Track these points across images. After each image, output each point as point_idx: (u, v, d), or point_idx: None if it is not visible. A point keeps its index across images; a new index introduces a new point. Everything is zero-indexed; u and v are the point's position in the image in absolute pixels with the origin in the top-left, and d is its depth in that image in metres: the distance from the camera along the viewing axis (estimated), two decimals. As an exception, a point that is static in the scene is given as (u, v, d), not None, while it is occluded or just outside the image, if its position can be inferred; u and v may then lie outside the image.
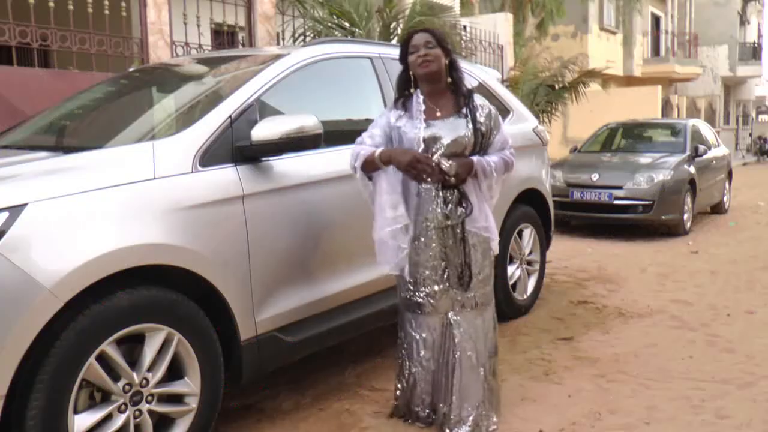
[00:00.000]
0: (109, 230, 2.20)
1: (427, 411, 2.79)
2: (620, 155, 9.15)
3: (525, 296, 4.60)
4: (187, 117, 2.81)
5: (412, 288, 2.70)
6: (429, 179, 2.59)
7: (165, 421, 2.42)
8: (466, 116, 2.65)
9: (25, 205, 2.04)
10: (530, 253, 4.63)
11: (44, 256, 2.03)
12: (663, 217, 7.86)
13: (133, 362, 2.29)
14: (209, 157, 2.57)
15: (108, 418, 2.21)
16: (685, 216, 8.16)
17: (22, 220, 2.01)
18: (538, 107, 9.97)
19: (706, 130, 10.16)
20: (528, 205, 4.55)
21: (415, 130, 2.63)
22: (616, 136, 10.00)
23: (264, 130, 2.63)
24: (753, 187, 14.66)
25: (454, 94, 2.71)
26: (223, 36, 7.32)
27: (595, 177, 8.06)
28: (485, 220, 2.70)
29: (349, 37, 6.96)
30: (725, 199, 10.31)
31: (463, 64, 4.47)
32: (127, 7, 5.91)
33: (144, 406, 2.31)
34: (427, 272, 2.66)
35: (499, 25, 11.82)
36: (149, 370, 2.31)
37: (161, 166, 2.42)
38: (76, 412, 2.13)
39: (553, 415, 3.00)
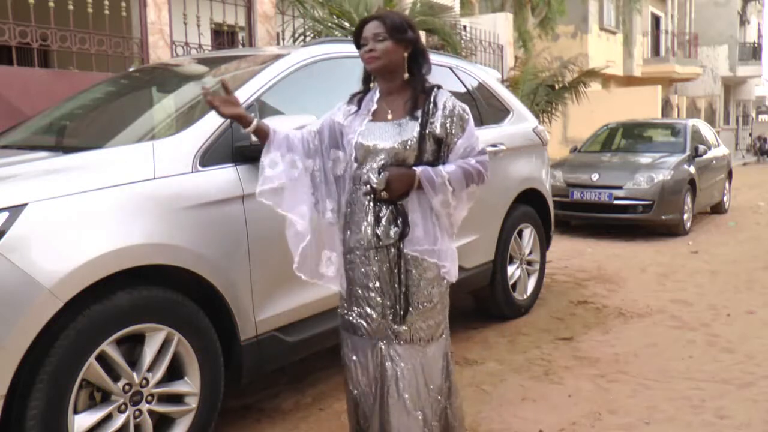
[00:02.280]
0: (109, 230, 2.20)
1: None
2: (620, 155, 9.15)
3: (525, 296, 4.60)
4: (187, 117, 2.81)
5: (346, 305, 2.34)
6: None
7: (165, 421, 2.42)
8: (417, 118, 2.22)
9: (25, 205, 2.04)
10: (530, 253, 4.63)
11: (44, 256, 2.03)
12: (663, 217, 7.86)
13: (133, 362, 2.29)
14: (209, 157, 2.57)
15: (108, 418, 2.21)
16: (685, 216, 8.16)
17: (22, 220, 2.01)
18: (538, 107, 9.97)
19: (706, 130, 10.16)
20: (528, 205, 4.55)
21: (352, 134, 2.27)
22: (616, 136, 10.01)
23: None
24: (753, 187, 14.66)
25: (413, 90, 2.28)
26: (223, 36, 7.32)
27: (595, 177, 8.06)
28: (432, 242, 2.23)
29: (349, 37, 6.96)
30: (725, 199, 10.31)
31: (463, 64, 4.51)
32: (127, 7, 5.91)
33: (144, 406, 2.30)
34: (359, 291, 2.28)
35: (499, 25, 11.82)
36: (149, 370, 2.31)
37: (161, 166, 2.42)
38: (76, 412, 2.13)
39: (553, 415, 3.00)
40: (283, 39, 7.72)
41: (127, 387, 2.25)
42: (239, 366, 2.65)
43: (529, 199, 4.56)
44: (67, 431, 2.09)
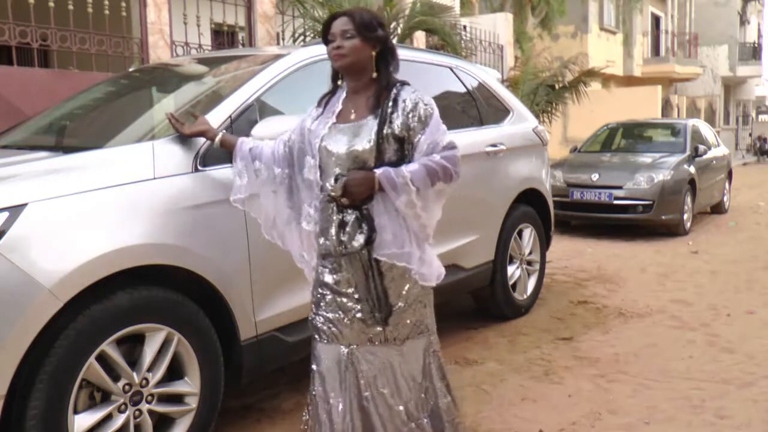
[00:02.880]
0: (109, 230, 2.20)
1: None
2: (620, 155, 9.16)
3: (525, 296, 4.60)
4: (188, 117, 2.80)
5: (314, 309, 2.24)
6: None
7: (165, 421, 2.42)
8: (377, 117, 2.14)
9: (25, 205, 2.04)
10: (530, 253, 4.63)
11: (44, 256, 2.03)
12: (663, 217, 7.86)
13: (133, 362, 2.29)
14: (209, 157, 2.56)
15: (108, 418, 2.21)
16: (685, 216, 8.16)
17: (22, 220, 2.01)
18: (538, 107, 9.96)
19: (706, 130, 10.16)
20: (528, 205, 4.56)
21: (316, 138, 2.19)
22: (616, 136, 10.01)
23: (264, 130, 2.62)
24: (753, 187, 14.66)
25: (378, 89, 2.19)
26: (223, 36, 7.32)
27: (595, 177, 8.06)
28: (401, 245, 2.14)
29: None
30: (725, 199, 10.31)
31: (463, 64, 4.51)
32: (127, 7, 5.91)
33: (144, 406, 2.31)
34: (331, 297, 2.20)
35: (499, 25, 11.83)
36: (149, 370, 2.31)
37: (161, 166, 2.42)
38: (76, 412, 2.13)
39: (553, 415, 3.00)
40: (283, 39, 7.72)
41: (127, 387, 2.25)
42: (239, 366, 2.65)
43: (529, 199, 4.56)
44: (67, 431, 2.09)
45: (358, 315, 2.17)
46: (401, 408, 2.20)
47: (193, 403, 2.45)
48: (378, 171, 2.09)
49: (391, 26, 7.85)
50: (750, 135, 32.14)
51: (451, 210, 3.78)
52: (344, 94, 2.25)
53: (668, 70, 22.50)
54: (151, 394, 2.33)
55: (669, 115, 20.26)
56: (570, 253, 7.01)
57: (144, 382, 2.30)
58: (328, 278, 2.21)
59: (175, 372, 2.43)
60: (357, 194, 2.08)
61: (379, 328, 2.17)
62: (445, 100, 4.26)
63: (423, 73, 4.02)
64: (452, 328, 4.32)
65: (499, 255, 4.21)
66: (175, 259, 2.37)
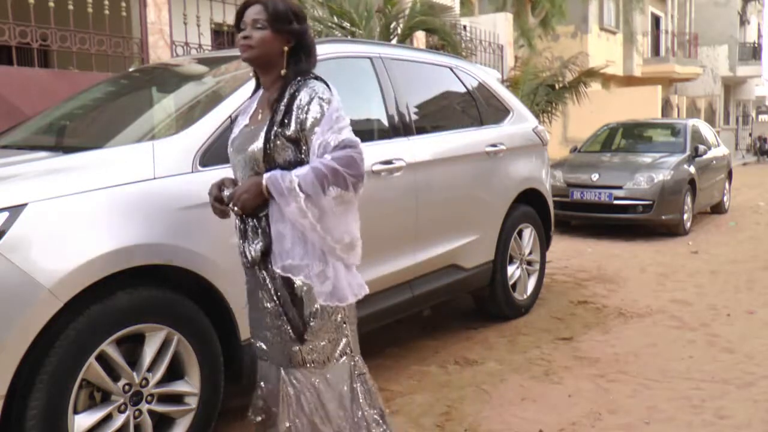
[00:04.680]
0: (109, 230, 2.20)
1: None
2: (620, 155, 9.16)
3: (525, 296, 4.60)
4: (188, 117, 2.81)
5: (252, 330, 2.15)
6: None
7: (165, 421, 2.42)
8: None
9: (25, 205, 2.04)
10: (530, 253, 4.63)
11: (44, 256, 2.03)
12: (663, 217, 7.86)
13: (133, 362, 2.29)
14: (209, 157, 2.56)
15: (108, 418, 2.21)
16: (685, 216, 8.16)
17: (22, 220, 2.01)
18: (538, 107, 9.96)
19: (706, 130, 10.16)
20: (528, 205, 4.56)
21: (229, 143, 2.07)
22: (616, 136, 10.01)
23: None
24: (753, 187, 14.66)
25: (283, 87, 1.98)
26: (223, 36, 7.32)
27: (595, 177, 8.06)
28: (300, 256, 1.92)
29: (349, 37, 6.96)
30: (725, 199, 10.31)
31: (463, 64, 4.51)
32: (127, 7, 5.91)
33: (144, 406, 2.31)
34: (252, 313, 2.10)
35: (499, 25, 11.82)
36: (149, 370, 2.31)
37: (161, 166, 2.42)
38: (76, 412, 2.13)
39: (553, 415, 3.00)
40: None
41: (127, 387, 2.25)
42: (239, 366, 2.65)
43: (529, 199, 4.56)
44: (67, 431, 2.09)
45: (275, 332, 2.01)
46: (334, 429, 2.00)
47: (193, 403, 2.45)
48: (265, 176, 1.89)
49: (391, 26, 7.86)
50: (750, 135, 32.13)
51: (451, 210, 3.82)
52: (259, 92, 2.10)
53: (668, 70, 22.50)
54: (151, 394, 2.33)
55: (669, 115, 20.26)
56: (570, 253, 7.01)
57: (144, 382, 2.30)
58: (248, 293, 2.10)
59: (175, 372, 2.43)
60: (244, 201, 1.90)
61: (296, 348, 1.97)
62: (445, 100, 4.27)
63: (423, 73, 4.02)
64: (452, 328, 4.32)
65: (499, 255, 4.21)
66: (175, 259, 2.37)
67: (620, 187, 7.87)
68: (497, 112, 4.47)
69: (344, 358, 2.03)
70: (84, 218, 2.16)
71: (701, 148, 8.86)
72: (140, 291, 2.28)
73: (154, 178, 2.38)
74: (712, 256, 6.86)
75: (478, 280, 4.08)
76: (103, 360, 2.19)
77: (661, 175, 7.88)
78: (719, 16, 28.34)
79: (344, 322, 2.02)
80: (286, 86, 1.97)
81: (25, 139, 3.15)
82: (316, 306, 1.96)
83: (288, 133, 1.91)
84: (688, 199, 8.25)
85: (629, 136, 10.07)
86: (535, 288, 4.72)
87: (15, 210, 2.02)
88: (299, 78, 1.97)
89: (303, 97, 1.92)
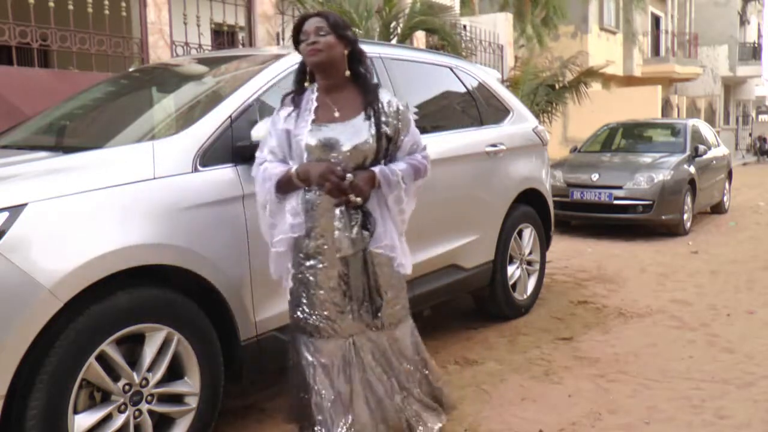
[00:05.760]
0: (109, 230, 2.20)
1: None
2: (620, 155, 9.16)
3: (525, 296, 4.60)
4: (187, 117, 2.81)
5: (308, 309, 2.33)
6: (338, 199, 2.23)
7: (165, 421, 2.42)
8: (369, 117, 2.25)
9: (25, 205, 2.04)
10: (530, 253, 4.63)
11: (44, 256, 2.03)
12: (663, 217, 7.86)
13: (133, 362, 2.29)
14: (209, 157, 2.56)
15: (108, 418, 2.21)
16: (685, 216, 8.16)
17: (22, 220, 2.01)
18: (538, 107, 9.96)
19: (706, 130, 10.16)
20: (528, 205, 4.55)
21: (299, 135, 2.26)
22: (616, 136, 10.01)
23: (264, 130, 2.62)
24: (753, 187, 14.66)
25: (360, 90, 2.31)
26: (223, 36, 7.32)
27: (595, 177, 8.06)
28: (390, 237, 2.32)
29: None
30: (725, 199, 10.31)
31: (463, 64, 4.50)
32: (127, 7, 5.92)
33: (144, 406, 2.31)
34: (324, 294, 2.31)
35: (499, 25, 11.83)
36: (149, 370, 2.31)
37: (161, 166, 2.42)
38: (76, 412, 2.13)
39: (553, 415, 3.00)
40: (283, 39, 7.72)
41: (127, 387, 2.25)
42: (239, 366, 2.65)
43: (529, 199, 4.56)
44: (67, 431, 2.09)
45: (354, 307, 2.32)
46: (393, 382, 2.40)
47: (193, 403, 2.45)
48: (376, 169, 2.23)
49: (391, 26, 7.86)
50: (750, 135, 32.12)
51: (451, 210, 3.82)
52: (315, 93, 2.32)
53: (668, 70, 22.50)
54: (151, 394, 2.33)
55: (669, 115, 20.25)
56: (570, 253, 7.01)
57: (144, 382, 2.30)
58: (318, 277, 2.31)
59: (175, 372, 2.43)
60: (366, 192, 2.21)
61: (374, 317, 2.34)
62: (445, 100, 4.26)
63: (423, 73, 4.02)
64: (452, 328, 4.32)
65: (499, 255, 4.21)
66: (175, 259, 2.36)
67: (620, 187, 7.87)
68: (497, 112, 4.47)
69: (408, 318, 2.49)
70: (84, 218, 2.16)
71: (701, 148, 8.86)
72: (140, 291, 2.28)
73: (154, 178, 2.38)
74: (712, 256, 6.86)
75: (478, 280, 4.08)
76: (103, 360, 2.19)
77: (661, 175, 7.88)
78: (719, 16, 28.34)
79: (404, 289, 2.46)
80: (367, 88, 2.30)
81: (25, 139, 3.15)
82: (391, 278, 2.37)
83: (389, 131, 2.27)
84: (688, 199, 8.25)
85: (629, 136, 10.07)
86: (535, 288, 4.72)
87: (15, 210, 2.01)
88: (377, 84, 2.35)
89: (392, 102, 2.31)
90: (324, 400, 2.33)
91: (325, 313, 2.31)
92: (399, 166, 2.29)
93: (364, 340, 2.36)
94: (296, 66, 2.48)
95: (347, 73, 2.30)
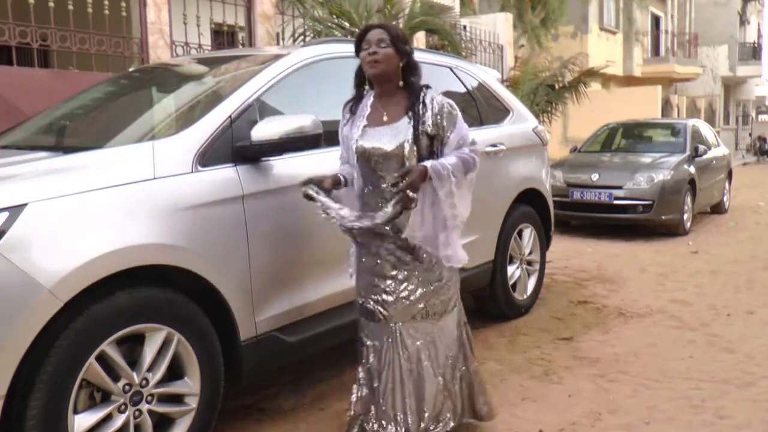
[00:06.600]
0: (109, 230, 2.20)
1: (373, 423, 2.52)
2: (620, 155, 9.16)
3: (525, 296, 4.60)
4: (187, 117, 2.81)
5: (363, 294, 2.57)
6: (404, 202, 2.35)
7: (165, 421, 2.42)
8: (410, 119, 2.43)
9: (25, 205, 2.04)
10: (530, 253, 4.63)
11: (44, 256, 2.03)
12: (663, 217, 7.86)
13: (133, 362, 2.29)
14: (209, 157, 2.56)
15: (108, 418, 2.21)
16: (685, 216, 8.16)
17: (22, 220, 2.01)
18: (538, 107, 9.97)
19: (706, 130, 10.16)
20: (528, 205, 4.55)
21: (352, 139, 2.49)
22: (616, 136, 10.01)
23: (264, 130, 2.63)
24: (753, 187, 14.67)
25: (407, 94, 2.49)
26: (223, 36, 7.32)
27: (595, 177, 8.06)
28: (431, 230, 2.44)
29: (349, 37, 6.96)
30: (725, 199, 10.31)
31: (463, 64, 4.50)
32: (127, 7, 5.91)
33: (144, 406, 2.30)
34: (376, 280, 2.50)
35: (499, 25, 11.82)
36: (149, 370, 2.31)
37: (161, 166, 2.42)
38: (76, 412, 2.13)
39: (553, 415, 3.00)
40: (283, 39, 7.72)
41: (127, 387, 2.25)
42: (239, 366, 2.65)
43: (529, 199, 4.56)
44: (67, 431, 2.09)
45: (402, 295, 2.47)
46: (440, 380, 2.52)
47: (193, 403, 2.45)
48: (428, 164, 2.36)
49: (391, 26, 7.85)
50: (750, 135, 32.13)
51: (451, 210, 3.82)
52: (371, 99, 2.52)
53: (668, 70, 22.50)
54: (151, 394, 2.33)
55: (669, 115, 20.26)
56: (570, 253, 7.01)
57: (144, 382, 2.30)
58: (371, 264, 2.51)
59: (175, 372, 2.43)
60: (418, 187, 2.34)
61: (420, 305, 2.48)
62: (445, 100, 4.26)
63: (423, 73, 4.01)
64: (452, 328, 4.31)
65: (499, 255, 4.21)
66: (175, 259, 2.37)
67: (620, 187, 7.87)
68: (497, 112, 4.47)
69: (455, 309, 2.60)
70: (84, 218, 2.16)
71: (701, 148, 8.86)
72: (140, 291, 2.28)
73: (154, 179, 2.38)
74: (712, 256, 6.86)
75: (478, 280, 4.08)
76: (103, 360, 2.19)
77: (661, 175, 7.88)
78: (719, 16, 28.34)
79: (456, 281, 2.59)
80: (418, 95, 2.45)
81: (25, 139, 3.15)
82: (440, 269, 2.50)
83: (428, 130, 2.41)
84: (688, 199, 8.25)
85: (629, 136, 10.07)
86: (535, 288, 4.72)
87: (15, 210, 2.01)
88: (424, 86, 2.48)
89: (436, 102, 2.44)
90: (371, 379, 2.52)
91: (376, 297, 2.50)
92: (449, 160, 2.41)
93: (409, 328, 2.48)
94: (296, 66, 2.53)
95: (401, 83, 2.47)
